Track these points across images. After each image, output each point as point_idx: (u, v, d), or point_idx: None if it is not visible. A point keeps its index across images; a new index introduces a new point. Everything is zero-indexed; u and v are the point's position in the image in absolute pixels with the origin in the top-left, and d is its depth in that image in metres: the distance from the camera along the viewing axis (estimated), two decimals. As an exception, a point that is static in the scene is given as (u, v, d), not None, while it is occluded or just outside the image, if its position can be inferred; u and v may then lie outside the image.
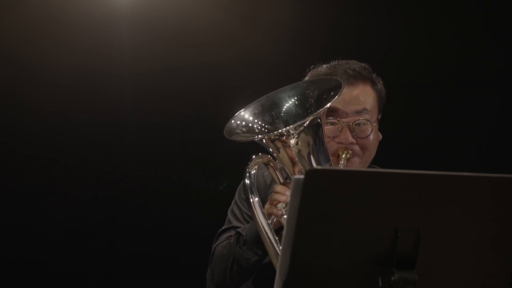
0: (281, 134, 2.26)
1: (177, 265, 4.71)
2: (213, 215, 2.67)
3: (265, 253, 2.35)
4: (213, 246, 2.61)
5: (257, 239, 2.32)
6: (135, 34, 4.75)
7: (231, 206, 2.70)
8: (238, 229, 2.50)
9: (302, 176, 1.66)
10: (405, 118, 4.70)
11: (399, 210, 1.72)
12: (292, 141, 2.26)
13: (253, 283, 2.64)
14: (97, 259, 4.81)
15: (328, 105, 2.26)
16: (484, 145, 4.66)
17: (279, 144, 2.28)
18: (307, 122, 2.25)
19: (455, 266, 1.81)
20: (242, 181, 2.44)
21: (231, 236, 2.57)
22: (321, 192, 1.66)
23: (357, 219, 1.70)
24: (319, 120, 2.29)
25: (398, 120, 4.69)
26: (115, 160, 4.85)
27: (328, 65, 2.62)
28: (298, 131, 2.26)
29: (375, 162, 2.75)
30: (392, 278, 1.72)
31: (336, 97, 2.28)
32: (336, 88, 2.33)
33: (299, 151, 2.28)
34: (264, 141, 2.31)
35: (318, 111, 2.26)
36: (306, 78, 2.63)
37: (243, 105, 2.40)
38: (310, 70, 2.64)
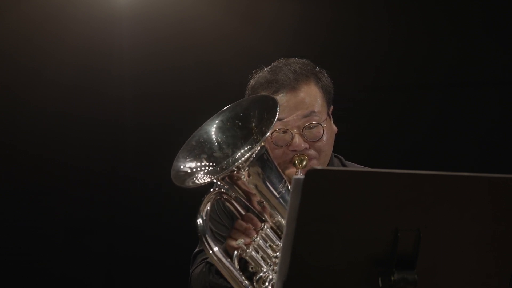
0: (232, 171, 2.21)
1: (177, 265, 4.70)
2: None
3: None
4: (190, 270, 2.61)
5: None
6: (135, 34, 4.74)
7: None
8: (208, 260, 2.47)
9: (302, 176, 1.66)
10: (405, 118, 4.70)
11: (399, 210, 1.72)
12: (244, 174, 2.22)
13: None
14: (97, 259, 4.81)
15: (268, 134, 2.21)
16: (484, 145, 4.66)
17: (231, 180, 2.24)
18: (255, 153, 2.21)
19: (455, 266, 1.81)
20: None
21: (205, 259, 2.55)
22: (321, 192, 1.66)
23: (357, 219, 1.70)
24: (263, 144, 2.24)
25: (398, 120, 4.69)
26: (115, 160, 4.84)
27: (269, 68, 2.62)
28: (247, 163, 2.21)
29: (375, 161, 2.75)
30: (392, 278, 1.72)
31: (274, 122, 2.21)
32: (273, 109, 2.27)
33: (252, 182, 2.25)
34: (217, 182, 2.28)
35: (260, 141, 2.21)
36: (249, 85, 2.63)
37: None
38: (252, 76, 2.65)
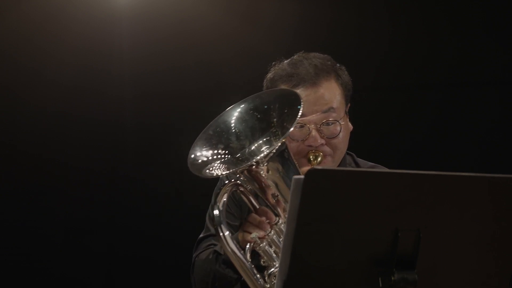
0: (251, 165, 2.20)
1: (177, 265, 4.70)
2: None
3: None
4: (194, 255, 2.60)
5: None
6: (135, 34, 4.74)
7: (208, 211, 2.64)
8: (216, 248, 2.48)
9: (302, 176, 1.65)
10: (405, 118, 4.70)
11: (399, 210, 1.72)
12: (263, 169, 2.21)
13: None
14: (97, 259, 4.81)
15: (291, 129, 2.19)
16: (484, 145, 4.66)
17: (249, 174, 2.23)
18: (275, 149, 2.20)
19: (455, 266, 1.81)
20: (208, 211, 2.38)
21: (210, 245, 2.55)
22: (321, 192, 1.66)
23: (357, 219, 1.70)
24: (284, 141, 2.24)
25: (398, 120, 4.69)
26: (115, 160, 4.84)
27: (288, 61, 2.59)
28: (267, 159, 2.19)
29: (375, 161, 2.75)
30: (393, 278, 1.72)
31: (297, 118, 2.20)
32: (296, 104, 2.25)
33: (271, 178, 2.23)
34: (234, 174, 2.27)
35: (282, 138, 2.20)
36: (269, 76, 2.60)
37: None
38: (271, 67, 2.62)
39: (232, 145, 2.33)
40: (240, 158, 2.29)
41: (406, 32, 4.67)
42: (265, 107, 2.34)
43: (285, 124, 2.26)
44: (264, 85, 2.62)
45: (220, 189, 2.25)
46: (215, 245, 2.55)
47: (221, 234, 2.19)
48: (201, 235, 2.64)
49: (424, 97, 4.76)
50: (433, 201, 1.72)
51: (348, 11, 4.69)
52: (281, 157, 2.23)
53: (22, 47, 4.64)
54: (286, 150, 2.25)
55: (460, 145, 4.65)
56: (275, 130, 2.30)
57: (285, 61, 2.60)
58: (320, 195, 1.66)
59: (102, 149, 4.80)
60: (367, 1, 4.74)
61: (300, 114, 2.20)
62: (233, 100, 2.43)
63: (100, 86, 4.74)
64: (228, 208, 2.59)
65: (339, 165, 2.57)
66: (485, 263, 1.82)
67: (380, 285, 1.72)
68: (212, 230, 2.57)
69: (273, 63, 2.63)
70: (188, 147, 2.36)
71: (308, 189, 1.65)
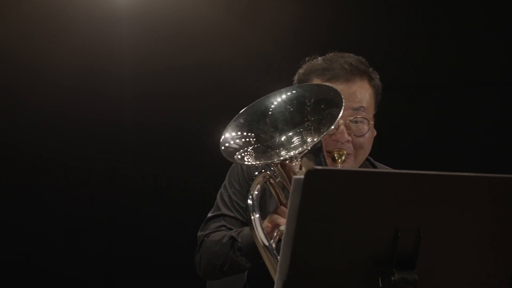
0: (285, 159, 2.19)
1: (177, 265, 4.70)
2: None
3: (259, 260, 2.32)
4: (201, 234, 2.59)
5: (253, 250, 2.28)
6: (135, 34, 4.74)
7: (220, 190, 2.67)
8: (232, 233, 2.47)
9: (302, 176, 1.65)
10: (405, 118, 4.71)
11: (399, 210, 1.72)
12: (296, 165, 2.19)
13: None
14: (97, 259, 4.81)
15: (332, 127, 2.17)
16: (484, 145, 4.66)
17: (282, 168, 2.21)
18: (311, 146, 2.18)
19: (455, 266, 1.81)
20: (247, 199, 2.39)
21: (221, 226, 2.56)
22: (321, 192, 1.66)
23: (357, 219, 1.70)
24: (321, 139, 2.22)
25: (398, 120, 4.69)
26: (115, 160, 4.84)
27: (323, 58, 2.58)
28: (301, 155, 2.18)
29: (376, 160, 2.75)
30: (392, 278, 1.72)
31: (339, 116, 2.17)
32: (335, 100, 2.23)
33: (302, 175, 2.23)
34: (267, 165, 2.26)
35: (323, 135, 2.18)
36: (301, 71, 2.59)
37: (243, 105, 2.38)
38: (304, 62, 2.61)
39: (262, 135, 2.31)
40: (270, 148, 2.28)
41: (406, 32, 4.68)
42: (300, 100, 2.32)
43: (322, 120, 2.24)
44: (296, 79, 2.60)
45: (253, 179, 2.23)
46: (226, 227, 2.55)
47: (254, 224, 2.17)
48: (210, 214, 2.64)
49: (424, 97, 4.76)
50: (433, 201, 1.72)
51: (348, 11, 4.69)
52: (316, 155, 2.22)
53: (22, 47, 4.65)
54: (321, 149, 2.24)
55: (460, 145, 4.65)
56: (308, 124, 2.28)
57: (319, 58, 2.59)
58: (320, 195, 1.66)
59: (102, 149, 4.80)
60: (367, 1, 4.74)
61: (341, 113, 2.17)
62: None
63: (100, 86, 4.74)
64: (241, 190, 2.61)
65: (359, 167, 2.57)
66: (485, 263, 1.82)
67: (380, 285, 1.72)
68: (223, 210, 2.59)
69: (306, 58, 2.62)
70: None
71: (308, 189, 1.64)
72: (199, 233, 2.62)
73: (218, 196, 2.66)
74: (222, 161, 2.29)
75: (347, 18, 4.68)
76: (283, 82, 2.52)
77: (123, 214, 4.83)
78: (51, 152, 4.73)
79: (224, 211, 2.61)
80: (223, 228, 2.56)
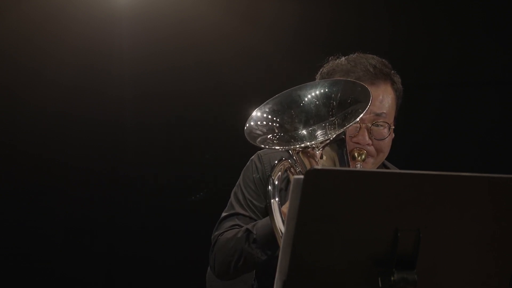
0: (306, 147, 2.20)
1: (177, 266, 4.71)
2: (215, 216, 2.66)
3: (274, 252, 2.33)
4: (215, 234, 2.58)
5: (269, 240, 2.29)
6: (135, 34, 4.75)
7: (234, 189, 2.66)
8: (248, 226, 2.46)
9: (302, 176, 1.65)
10: (405, 118, 4.69)
11: (399, 210, 1.72)
12: (317, 154, 2.20)
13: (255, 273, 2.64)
14: (97, 259, 4.81)
15: (357, 119, 2.17)
16: (484, 145, 4.66)
17: (303, 156, 2.22)
18: (333, 137, 2.19)
19: (455, 266, 1.81)
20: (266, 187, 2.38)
21: (235, 225, 2.54)
22: (321, 192, 1.66)
23: (357, 219, 1.70)
24: (343, 136, 2.23)
25: (398, 120, 4.68)
26: (115, 160, 4.84)
27: (347, 58, 2.57)
28: (323, 145, 2.20)
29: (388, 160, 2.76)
30: (392, 278, 1.72)
31: (364, 112, 2.18)
32: (362, 97, 2.24)
33: (322, 164, 2.21)
34: (289, 151, 2.26)
35: (346, 127, 2.18)
36: (324, 70, 2.57)
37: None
38: (327, 62, 2.59)
39: (287, 125, 2.31)
40: (293, 139, 2.28)
41: (406, 32, 4.68)
42: (327, 94, 2.32)
43: (347, 116, 2.24)
44: (319, 77, 2.59)
45: (274, 166, 2.24)
46: (239, 225, 2.54)
47: (272, 207, 2.17)
48: (224, 214, 2.63)
49: (424, 97, 4.76)
50: (433, 201, 1.72)
51: (348, 11, 4.70)
52: (338, 146, 2.23)
53: (22, 47, 4.65)
54: (344, 142, 2.24)
55: (460, 145, 4.65)
56: (333, 119, 2.29)
57: (343, 58, 2.58)
58: (320, 195, 1.66)
59: (102, 149, 4.80)
60: (367, 1, 4.74)
61: (369, 106, 2.17)
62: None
63: (100, 86, 4.74)
64: (254, 188, 2.60)
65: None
66: (485, 263, 1.82)
67: (380, 285, 1.72)
68: (237, 209, 2.58)
69: (329, 58, 2.61)
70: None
71: (308, 189, 1.64)
72: (213, 234, 2.60)
73: (232, 195, 2.65)
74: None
75: (347, 18, 4.68)
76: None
77: (123, 214, 4.83)
78: (51, 152, 4.73)
79: (238, 210, 2.60)
80: (237, 227, 2.55)
